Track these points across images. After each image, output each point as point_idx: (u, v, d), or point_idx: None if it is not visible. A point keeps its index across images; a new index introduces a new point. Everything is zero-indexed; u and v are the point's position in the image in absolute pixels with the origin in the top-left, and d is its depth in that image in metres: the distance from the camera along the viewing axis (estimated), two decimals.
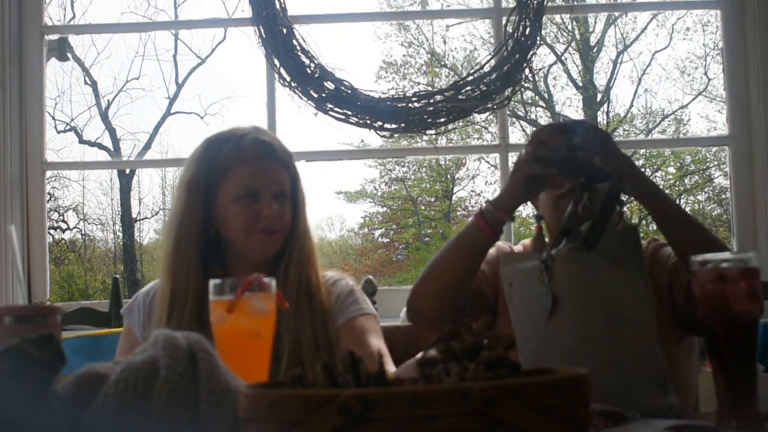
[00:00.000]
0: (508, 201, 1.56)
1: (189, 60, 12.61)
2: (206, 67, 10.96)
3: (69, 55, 3.59)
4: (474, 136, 9.96)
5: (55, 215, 11.27)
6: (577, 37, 11.29)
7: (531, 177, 1.51)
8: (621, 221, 1.73)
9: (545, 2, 2.96)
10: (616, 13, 9.62)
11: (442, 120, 2.96)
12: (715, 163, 11.15)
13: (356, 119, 2.95)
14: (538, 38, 2.99)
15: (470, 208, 11.08)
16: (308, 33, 3.00)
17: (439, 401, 0.61)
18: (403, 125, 2.97)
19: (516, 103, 10.07)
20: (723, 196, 11.03)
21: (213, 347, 0.88)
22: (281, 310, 1.23)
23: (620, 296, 1.30)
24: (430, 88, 8.61)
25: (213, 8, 19.12)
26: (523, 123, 10.74)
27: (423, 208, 12.15)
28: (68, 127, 10.94)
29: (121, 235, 11.61)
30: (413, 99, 2.98)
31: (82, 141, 11.02)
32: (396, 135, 3.17)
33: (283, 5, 2.98)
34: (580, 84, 11.21)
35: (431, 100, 2.97)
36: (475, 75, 2.99)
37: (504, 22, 3.01)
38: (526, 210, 10.59)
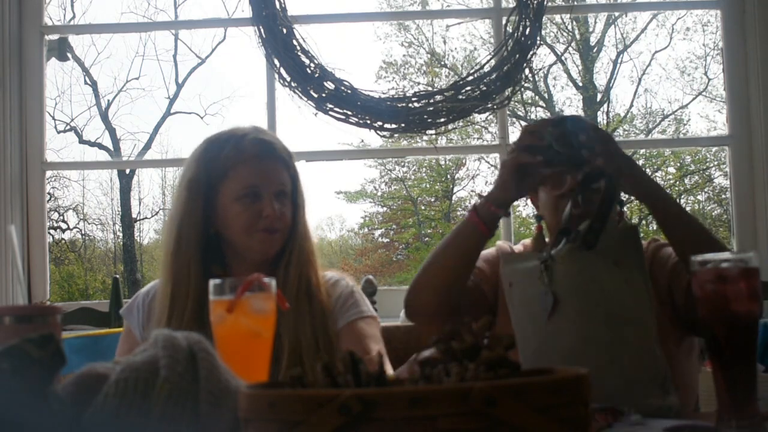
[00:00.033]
0: (500, 194, 1.54)
1: (189, 60, 12.62)
2: (206, 67, 10.97)
3: (69, 55, 3.59)
4: (474, 136, 9.96)
5: (55, 215, 11.28)
6: (577, 37, 11.29)
7: (520, 167, 1.49)
8: (621, 221, 1.73)
9: (545, 2, 2.96)
10: (616, 13, 9.62)
11: (442, 120, 2.96)
12: (715, 163, 11.16)
13: (356, 119, 2.95)
14: (538, 38, 2.99)
15: (470, 208, 11.07)
16: (308, 33, 3.00)
17: (439, 401, 0.61)
18: (403, 125, 2.97)
19: (516, 103, 10.07)
20: (723, 196, 11.03)
21: (213, 347, 0.88)
22: (281, 310, 1.23)
23: (620, 296, 1.30)
24: (430, 88, 8.62)
25: (213, 8, 19.13)
26: (523, 123, 10.74)
27: (423, 208, 12.15)
28: (68, 127, 10.95)
29: (121, 235, 11.62)
30: (413, 99, 2.98)
31: (82, 141, 11.03)
32: (396, 135, 3.17)
33: (283, 5, 2.98)
34: (580, 84, 11.21)
35: (431, 100, 2.97)
36: (475, 75, 2.99)
37: (504, 22, 3.01)
38: (527, 210, 10.59)
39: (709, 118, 10.95)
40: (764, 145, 2.99)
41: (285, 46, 2.94)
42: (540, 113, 11.09)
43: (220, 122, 10.84)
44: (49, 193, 10.14)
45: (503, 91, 2.96)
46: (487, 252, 1.83)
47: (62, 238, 11.50)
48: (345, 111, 2.94)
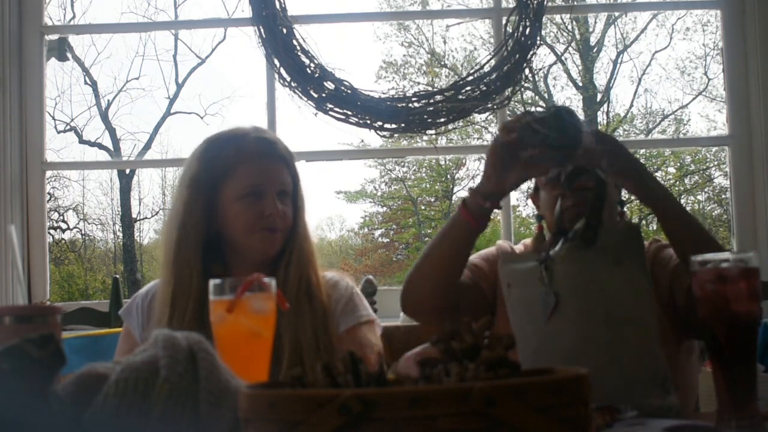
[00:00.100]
0: (487, 186, 1.52)
1: (189, 60, 12.63)
2: (206, 67, 10.98)
3: (69, 55, 3.59)
4: (474, 136, 9.97)
5: (55, 215, 11.28)
6: (577, 37, 11.29)
7: (501, 156, 1.47)
8: (622, 221, 1.73)
9: (545, 2, 2.96)
10: (616, 13, 9.62)
11: (442, 120, 2.96)
12: (715, 163, 11.16)
13: (356, 119, 2.95)
14: (538, 38, 2.99)
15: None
16: (308, 33, 3.00)
17: (439, 401, 0.61)
18: (403, 125, 2.97)
19: (516, 103, 10.06)
20: (723, 196, 11.03)
21: (213, 347, 0.88)
22: (281, 310, 1.23)
23: (620, 296, 1.30)
24: (430, 88, 8.61)
25: (213, 8, 19.13)
26: None
27: (423, 208, 12.15)
28: (68, 127, 10.95)
29: (121, 235, 11.62)
30: (413, 99, 2.98)
31: (82, 141, 11.03)
32: (396, 135, 3.17)
33: (283, 5, 2.98)
34: (580, 84, 11.22)
35: (431, 100, 2.97)
36: (475, 75, 2.99)
37: (504, 22, 3.01)
38: (527, 210, 10.60)
39: (709, 118, 10.96)
40: (764, 145, 2.99)
41: (285, 46, 2.94)
42: None
43: (220, 122, 10.85)
44: (49, 193, 10.14)
45: (503, 91, 2.96)
46: (487, 251, 1.83)
47: (62, 238, 11.50)
48: (345, 111, 2.94)
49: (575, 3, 3.37)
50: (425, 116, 2.95)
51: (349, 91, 2.94)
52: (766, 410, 1.08)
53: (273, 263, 1.62)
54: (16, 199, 3.02)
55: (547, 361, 1.27)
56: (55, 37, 3.36)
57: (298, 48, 2.95)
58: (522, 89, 3.24)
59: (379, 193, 12.23)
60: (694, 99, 10.96)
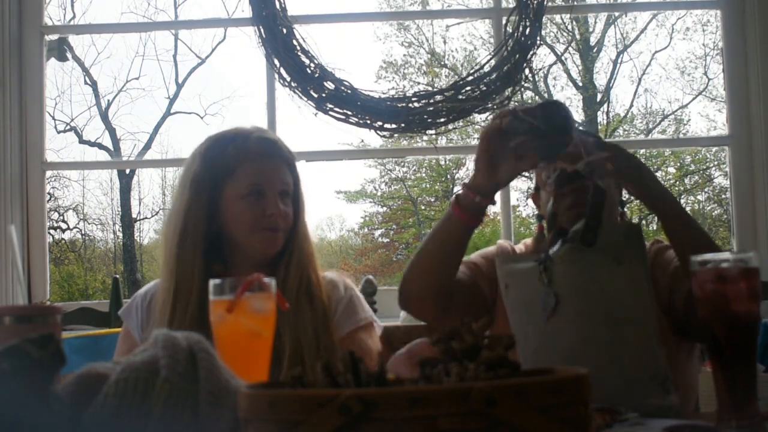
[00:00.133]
0: (478, 180, 1.51)
1: (189, 60, 12.64)
2: (206, 67, 10.99)
3: (69, 55, 3.59)
4: (474, 136, 9.95)
5: (55, 215, 11.28)
6: (577, 37, 11.29)
7: (490, 143, 1.47)
8: (622, 221, 1.73)
9: (545, 2, 2.96)
10: (616, 13, 9.62)
11: (442, 120, 2.96)
12: (715, 163, 11.16)
13: (356, 119, 2.95)
14: (538, 38, 2.99)
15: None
16: (308, 33, 3.00)
17: (439, 401, 0.61)
18: (403, 125, 2.97)
19: (516, 103, 10.06)
20: (723, 196, 11.04)
21: (213, 347, 0.88)
22: (281, 310, 1.23)
23: (621, 296, 1.30)
24: (430, 88, 8.62)
25: (213, 8, 19.14)
26: None
27: (423, 208, 12.15)
28: (68, 127, 10.96)
29: (121, 235, 11.63)
30: (413, 99, 2.98)
31: (82, 141, 11.04)
32: (396, 135, 3.17)
33: (283, 5, 2.98)
34: (580, 84, 11.22)
35: (431, 100, 2.97)
36: (475, 75, 2.99)
37: (504, 22, 3.01)
38: (527, 210, 10.60)
39: (709, 117, 10.96)
40: (764, 145, 2.99)
41: (285, 46, 2.94)
42: None
43: (220, 122, 10.86)
44: (49, 193, 10.14)
45: (503, 91, 2.96)
46: (488, 250, 1.83)
47: (62, 238, 11.51)
48: (345, 111, 2.94)
49: (575, 3, 3.37)
50: (425, 116, 2.95)
51: (349, 91, 2.94)
52: (766, 410, 1.08)
53: (273, 263, 1.62)
54: (16, 199, 3.02)
55: (547, 361, 1.27)
56: (55, 37, 3.36)
57: (298, 48, 2.96)
58: (522, 89, 3.23)
59: (379, 193, 12.24)
60: (694, 99, 10.97)
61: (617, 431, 1.08)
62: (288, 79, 2.94)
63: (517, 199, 10.67)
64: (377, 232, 12.46)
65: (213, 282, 1.18)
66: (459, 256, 1.61)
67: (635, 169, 1.47)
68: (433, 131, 3.01)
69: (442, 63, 11.23)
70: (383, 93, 2.98)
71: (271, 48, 2.95)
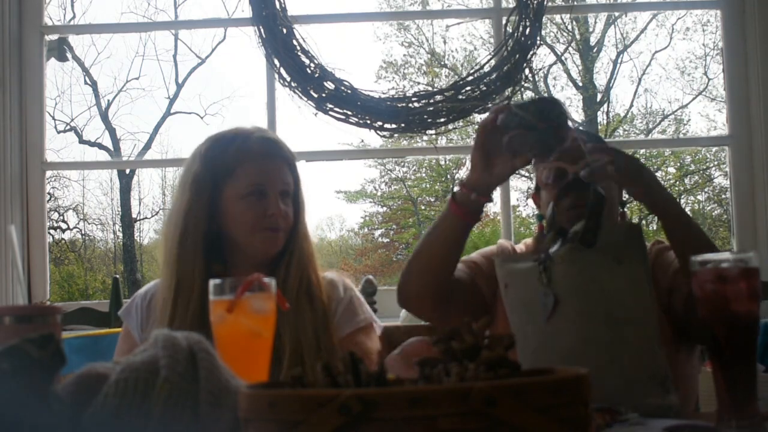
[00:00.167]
0: (474, 176, 1.52)
1: (189, 60, 12.65)
2: (206, 67, 11.00)
3: (69, 55, 3.60)
4: (474, 136, 9.94)
5: (55, 215, 11.28)
6: (577, 37, 11.30)
7: (484, 138, 1.47)
8: (623, 220, 1.73)
9: (545, 2, 2.96)
10: (616, 13, 9.62)
11: (442, 120, 2.96)
12: (715, 163, 11.17)
13: (356, 119, 2.95)
14: (538, 38, 2.99)
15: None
16: (308, 33, 3.00)
17: (439, 401, 0.61)
18: (403, 125, 2.97)
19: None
20: (723, 196, 11.04)
21: (213, 347, 0.88)
22: (281, 310, 1.23)
23: (621, 296, 1.30)
24: (430, 88, 8.62)
25: (213, 8, 19.14)
26: None
27: (423, 208, 12.15)
28: (68, 127, 10.97)
29: (121, 235, 11.63)
30: (413, 99, 2.98)
31: (82, 141, 11.04)
32: (396, 135, 3.17)
33: (283, 5, 2.98)
34: (580, 84, 11.22)
35: (431, 100, 2.97)
36: (475, 75, 2.99)
37: (504, 22, 3.01)
38: (527, 210, 10.60)
39: (709, 117, 10.97)
40: (764, 145, 2.99)
41: (285, 46, 2.94)
42: None
43: (220, 122, 10.87)
44: (49, 193, 10.15)
45: (503, 91, 2.96)
46: (488, 249, 1.83)
47: (62, 238, 11.51)
48: (345, 111, 2.94)
49: (575, 3, 3.37)
50: (425, 116, 2.95)
51: (349, 91, 2.94)
52: (766, 410, 1.08)
53: (273, 263, 1.62)
54: (16, 199, 3.02)
55: (546, 361, 1.27)
56: (55, 37, 3.36)
57: (298, 48, 2.96)
58: (522, 89, 3.23)
59: (379, 193, 12.24)
60: (694, 99, 10.97)
61: (617, 431, 1.08)
62: (288, 79, 2.94)
63: (517, 199, 10.68)
64: (377, 232, 12.46)
65: (213, 282, 1.18)
66: (457, 255, 1.61)
67: (636, 170, 1.47)
68: (433, 131, 3.01)
69: (442, 63, 11.24)
70: (383, 93, 2.98)
71: (271, 48, 2.95)
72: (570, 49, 11.32)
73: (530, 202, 1.83)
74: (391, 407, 0.62)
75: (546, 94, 11.01)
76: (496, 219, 10.23)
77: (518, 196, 10.72)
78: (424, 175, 12.10)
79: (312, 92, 2.93)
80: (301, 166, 1.72)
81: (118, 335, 1.76)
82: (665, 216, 1.50)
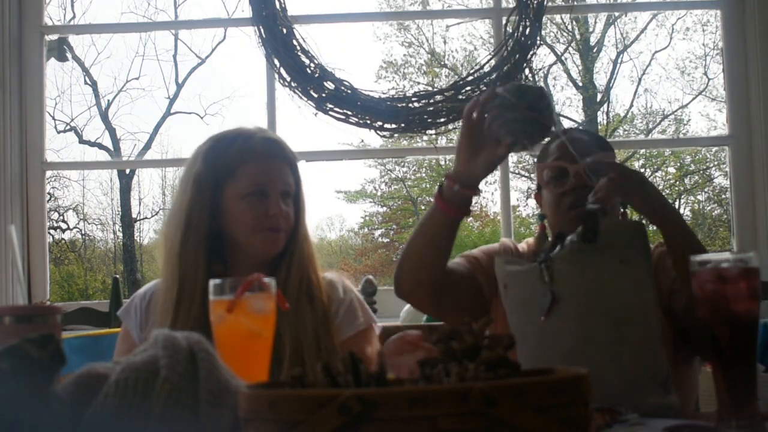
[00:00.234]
0: (459, 167, 1.52)
1: (189, 60, 12.64)
2: (206, 67, 10.99)
3: (69, 55, 3.59)
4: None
5: (55, 215, 11.28)
6: (577, 37, 11.29)
7: (469, 126, 1.48)
8: (627, 220, 1.73)
9: (545, 2, 2.96)
10: (616, 13, 9.62)
11: (442, 120, 2.96)
12: (715, 163, 11.16)
13: (356, 119, 2.95)
14: (538, 38, 2.99)
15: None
16: (308, 33, 3.00)
17: (439, 401, 0.61)
18: (403, 125, 2.97)
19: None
20: (723, 196, 11.04)
21: (213, 347, 0.88)
22: (282, 310, 1.23)
23: (624, 295, 1.30)
24: (430, 88, 8.62)
25: (213, 8, 19.15)
26: None
27: (423, 208, 12.14)
28: (68, 127, 10.96)
29: (121, 235, 11.63)
30: (413, 99, 2.98)
31: (82, 141, 11.04)
32: (396, 135, 3.17)
33: (283, 5, 2.99)
34: (580, 84, 11.22)
35: (431, 100, 2.97)
36: (475, 75, 2.99)
37: (504, 22, 3.01)
38: (527, 210, 10.60)
39: (710, 117, 10.97)
40: (764, 145, 2.99)
41: (285, 46, 2.94)
42: None
43: (220, 122, 10.87)
44: (49, 193, 10.15)
45: None
46: (490, 246, 1.83)
47: (62, 238, 11.51)
48: (345, 111, 2.94)
49: (575, 3, 3.37)
50: (425, 116, 2.95)
51: (349, 91, 2.94)
52: (766, 410, 1.08)
53: (274, 263, 1.62)
54: (16, 199, 3.02)
55: (546, 361, 1.27)
56: (55, 37, 3.36)
57: (298, 48, 2.96)
58: None
59: (379, 193, 12.24)
60: (694, 99, 10.97)
61: (617, 431, 1.08)
62: (288, 79, 2.94)
63: (517, 199, 10.68)
64: (377, 232, 12.46)
65: (213, 282, 1.18)
66: (447, 250, 1.62)
67: (637, 185, 1.47)
68: (433, 131, 3.01)
69: (442, 63, 11.23)
70: (383, 93, 2.99)
71: (271, 48, 2.95)
72: (570, 49, 11.32)
73: (530, 202, 1.83)
74: (391, 407, 0.62)
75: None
76: (496, 219, 10.23)
77: (518, 196, 10.73)
78: (424, 175, 12.09)
79: (312, 92, 2.93)
80: (302, 166, 1.72)
81: (118, 335, 1.76)
82: (664, 226, 1.50)
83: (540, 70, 10.33)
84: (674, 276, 1.61)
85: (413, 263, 1.63)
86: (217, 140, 1.65)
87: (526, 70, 2.98)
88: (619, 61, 11.10)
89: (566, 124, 11.00)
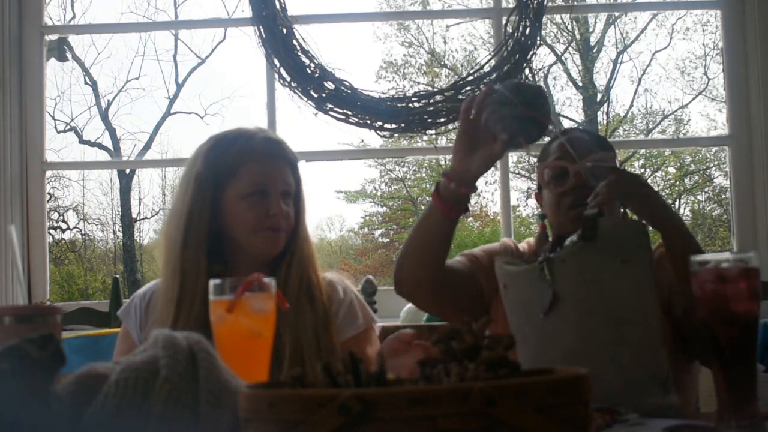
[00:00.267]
0: (456, 167, 1.52)
1: (189, 60, 12.64)
2: (206, 67, 10.99)
3: (69, 55, 3.59)
4: None
5: (55, 215, 11.28)
6: (577, 37, 11.29)
7: (466, 123, 1.48)
8: (628, 219, 1.73)
9: (545, 2, 2.96)
10: (616, 13, 9.62)
11: (442, 120, 2.96)
12: (715, 163, 11.16)
13: (356, 119, 2.95)
14: (538, 38, 2.99)
15: (470, 208, 11.08)
16: (308, 33, 3.00)
17: (439, 401, 0.61)
18: (403, 125, 2.97)
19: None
20: (723, 196, 11.04)
21: (213, 347, 0.88)
22: (282, 310, 1.23)
23: (623, 295, 1.30)
24: (430, 88, 8.62)
25: (213, 8, 19.14)
26: None
27: (423, 208, 12.12)
28: (68, 127, 10.96)
29: (121, 235, 11.62)
30: (413, 99, 2.98)
31: (82, 141, 11.04)
32: (396, 135, 3.17)
33: (283, 5, 2.99)
34: (580, 84, 11.21)
35: (431, 100, 2.97)
36: (475, 75, 2.99)
37: (504, 22, 3.01)
38: (527, 210, 10.60)
39: (710, 117, 10.97)
40: (764, 145, 2.99)
41: (285, 46, 2.94)
42: None
43: (220, 122, 10.87)
44: (49, 193, 10.15)
45: None
46: (491, 245, 1.84)
47: (62, 238, 11.50)
48: (345, 111, 2.94)
49: (575, 3, 3.37)
50: (425, 116, 2.95)
51: (349, 91, 2.94)
52: (766, 410, 1.08)
53: (273, 263, 1.62)
54: (16, 199, 3.02)
55: (546, 361, 1.27)
56: (55, 37, 3.36)
57: (298, 48, 2.96)
58: None
59: (379, 193, 12.24)
60: (694, 99, 10.97)
61: (617, 431, 1.08)
62: (288, 79, 2.94)
63: (517, 199, 10.67)
64: (377, 232, 12.46)
65: (213, 282, 1.18)
66: (445, 247, 1.62)
67: (637, 189, 1.47)
68: (433, 131, 3.01)
69: (442, 63, 11.23)
70: (383, 93, 2.99)
71: (271, 48, 2.95)
72: (570, 49, 11.31)
73: (530, 202, 1.83)
74: (391, 407, 0.62)
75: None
76: (496, 219, 10.23)
77: (518, 196, 10.73)
78: (424, 175, 12.09)
79: (312, 92, 2.93)
80: (302, 166, 1.72)
81: (117, 335, 1.76)
82: (664, 231, 1.50)
83: (540, 70, 10.35)
84: (673, 280, 1.61)
85: (412, 261, 1.63)
86: (218, 140, 1.65)
87: (526, 70, 2.98)
88: (619, 61, 11.10)
89: (566, 124, 11.01)
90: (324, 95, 2.93)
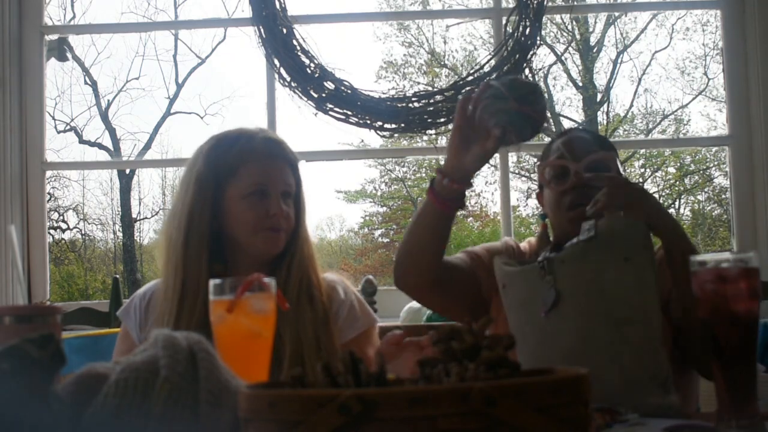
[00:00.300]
0: (452, 163, 1.52)
1: (189, 60, 12.64)
2: (206, 67, 10.99)
3: (69, 55, 3.60)
4: None
5: (55, 215, 11.28)
6: (577, 37, 11.29)
7: (461, 118, 1.48)
8: (630, 219, 1.73)
9: (545, 2, 2.96)
10: (616, 13, 9.62)
11: (442, 120, 2.96)
12: (715, 163, 11.16)
13: (356, 119, 2.95)
14: (538, 38, 2.99)
15: (469, 208, 11.10)
16: (308, 33, 3.00)
17: (439, 401, 0.61)
18: (403, 125, 2.97)
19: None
20: (723, 196, 11.04)
21: (213, 347, 0.88)
22: (282, 310, 1.23)
23: (624, 295, 1.30)
24: (430, 88, 8.62)
25: (213, 8, 19.14)
26: None
27: None
28: (68, 127, 10.96)
29: (121, 235, 11.62)
30: (413, 99, 2.98)
31: (82, 141, 11.04)
32: (396, 135, 3.17)
33: (283, 5, 2.99)
34: (580, 84, 11.21)
35: (431, 100, 2.97)
36: (475, 75, 2.99)
37: (504, 22, 3.01)
38: (527, 210, 10.60)
39: (710, 117, 10.97)
40: (764, 145, 2.99)
41: (285, 46, 2.94)
42: None
43: (220, 122, 10.87)
44: (49, 193, 10.15)
45: None
46: (493, 244, 1.84)
47: (62, 238, 11.50)
48: (345, 111, 2.94)
49: (575, 3, 3.37)
50: (425, 116, 2.95)
51: (349, 91, 2.94)
52: (766, 410, 1.08)
53: (274, 263, 1.62)
54: (16, 199, 3.02)
55: (546, 361, 1.27)
56: (55, 37, 3.36)
57: (298, 48, 2.96)
58: None
59: (379, 193, 12.24)
60: (694, 99, 10.97)
61: (617, 431, 1.08)
62: (288, 79, 2.94)
63: (517, 199, 10.68)
64: (377, 232, 12.46)
65: (213, 282, 1.18)
66: (441, 243, 1.62)
67: (637, 199, 1.47)
68: (433, 131, 3.01)
69: (442, 63, 11.23)
70: (383, 93, 2.99)
71: (271, 48, 2.95)
72: (570, 49, 11.32)
73: (530, 202, 1.83)
74: (391, 407, 0.62)
75: (546, 94, 11.00)
76: (496, 219, 10.23)
77: (518, 196, 10.73)
78: (424, 175, 12.08)
79: (312, 92, 2.93)
80: (302, 166, 1.72)
81: (117, 335, 1.76)
82: (663, 239, 1.49)
83: (540, 70, 10.35)
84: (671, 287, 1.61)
85: (410, 258, 1.64)
86: (219, 140, 1.65)
87: (526, 70, 2.98)
88: (619, 61, 11.10)
89: (566, 124, 11.01)
90: (324, 95, 2.93)
